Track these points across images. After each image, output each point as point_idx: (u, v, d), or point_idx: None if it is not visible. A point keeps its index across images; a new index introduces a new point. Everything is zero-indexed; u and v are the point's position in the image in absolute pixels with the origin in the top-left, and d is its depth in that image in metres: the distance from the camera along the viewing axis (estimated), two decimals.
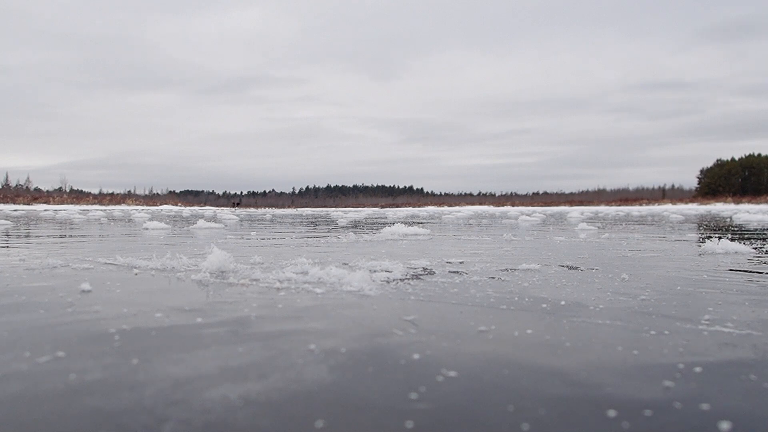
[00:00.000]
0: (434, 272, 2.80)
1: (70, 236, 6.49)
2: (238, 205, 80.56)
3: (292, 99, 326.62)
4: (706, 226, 10.13)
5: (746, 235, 6.63)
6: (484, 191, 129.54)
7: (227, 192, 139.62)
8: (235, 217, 16.59)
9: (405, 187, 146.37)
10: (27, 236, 6.66)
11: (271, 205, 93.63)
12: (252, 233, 7.17)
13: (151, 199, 78.78)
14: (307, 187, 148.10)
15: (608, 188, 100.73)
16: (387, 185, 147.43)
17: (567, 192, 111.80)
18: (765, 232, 7.60)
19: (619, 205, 66.56)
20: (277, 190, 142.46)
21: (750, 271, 2.93)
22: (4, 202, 48.76)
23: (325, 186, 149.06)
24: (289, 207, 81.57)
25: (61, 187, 72.30)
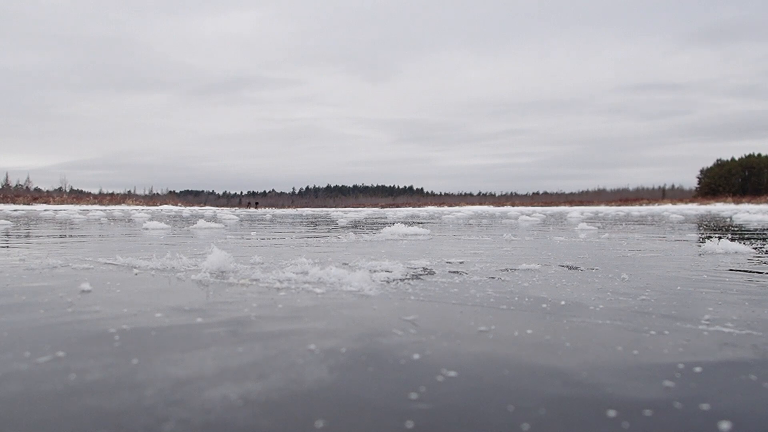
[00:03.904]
0: (434, 272, 2.80)
1: (70, 236, 6.49)
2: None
3: (287, 100, 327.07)
4: (706, 226, 10.13)
5: (746, 235, 6.63)
6: (483, 191, 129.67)
7: (227, 192, 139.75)
8: (234, 217, 16.59)
9: (405, 187, 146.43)
10: (27, 236, 6.66)
11: (271, 205, 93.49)
12: (252, 233, 7.17)
13: (151, 199, 78.76)
14: (307, 187, 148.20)
15: (608, 188, 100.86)
16: (387, 185, 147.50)
17: (567, 192, 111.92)
18: (765, 232, 7.60)
19: (619, 205, 66.56)
20: (277, 190, 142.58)
21: (750, 271, 2.93)
22: (4, 202, 48.76)
23: (324, 186, 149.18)
24: (289, 207, 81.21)
25: (61, 187, 72.36)
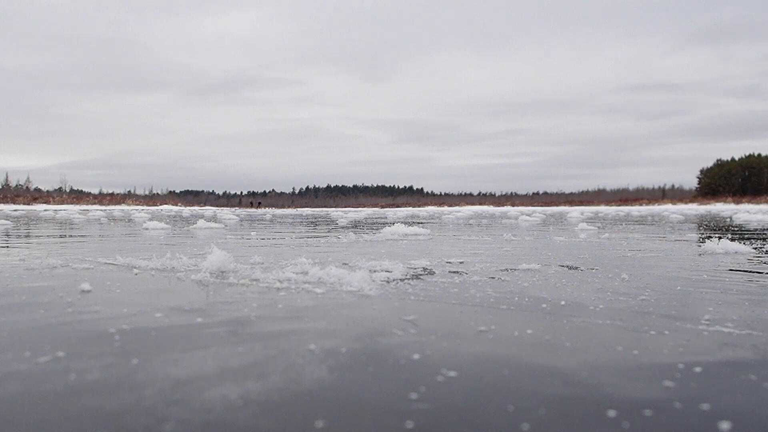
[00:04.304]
0: (434, 272, 2.80)
1: (70, 236, 6.49)
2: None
3: (287, 100, 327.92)
4: (706, 226, 10.13)
5: (746, 235, 6.63)
6: (483, 191, 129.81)
7: (227, 192, 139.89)
8: (234, 217, 16.59)
9: (405, 187, 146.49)
10: (27, 236, 6.66)
11: (271, 205, 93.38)
12: (252, 233, 7.17)
13: (151, 199, 78.75)
14: (307, 187, 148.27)
15: (608, 188, 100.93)
16: (387, 185, 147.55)
17: (567, 192, 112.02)
18: (765, 232, 7.60)
19: (619, 205, 66.54)
20: (277, 190, 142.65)
21: (750, 271, 2.93)
22: (4, 202, 48.75)
23: (324, 186, 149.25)
24: (289, 207, 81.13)
25: (61, 187, 72.34)
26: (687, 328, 1.55)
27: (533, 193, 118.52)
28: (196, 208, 56.99)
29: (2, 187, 69.96)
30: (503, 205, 76.47)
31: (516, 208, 53.80)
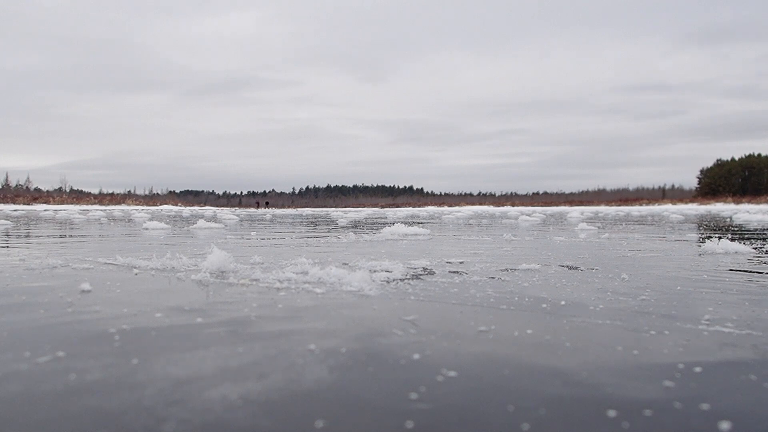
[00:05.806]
0: (434, 272, 2.80)
1: (70, 236, 6.49)
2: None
3: (287, 100, 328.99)
4: (706, 226, 10.13)
5: (746, 235, 6.63)
6: (483, 191, 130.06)
7: (227, 192, 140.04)
8: (235, 217, 16.58)
9: (405, 187, 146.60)
10: (27, 236, 6.66)
11: (271, 205, 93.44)
12: (252, 233, 7.17)
13: (151, 199, 78.78)
14: (307, 187, 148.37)
15: (608, 188, 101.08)
16: (387, 185, 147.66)
17: (567, 192, 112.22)
18: (765, 232, 7.60)
19: (619, 205, 66.56)
20: (277, 190, 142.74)
21: (750, 271, 2.93)
22: (4, 202, 48.73)
23: (325, 186, 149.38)
24: (289, 207, 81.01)
25: (61, 187, 72.40)
26: (687, 328, 1.55)
27: (533, 193, 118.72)
28: (196, 208, 56.98)
29: (2, 187, 69.96)
30: (503, 205, 76.47)
31: (516, 208, 53.79)
